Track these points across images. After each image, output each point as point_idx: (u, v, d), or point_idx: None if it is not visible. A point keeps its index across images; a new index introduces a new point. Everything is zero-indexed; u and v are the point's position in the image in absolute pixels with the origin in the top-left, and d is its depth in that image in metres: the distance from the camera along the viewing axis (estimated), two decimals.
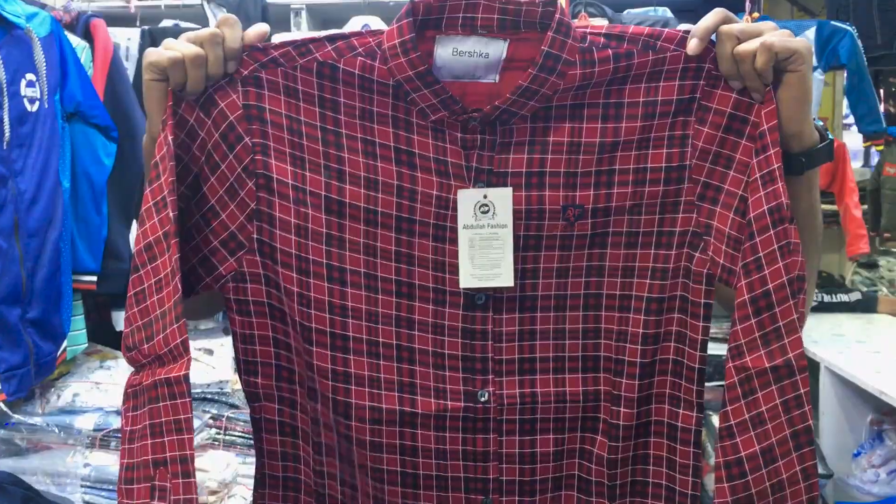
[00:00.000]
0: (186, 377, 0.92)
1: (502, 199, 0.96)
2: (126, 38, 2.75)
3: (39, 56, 2.11)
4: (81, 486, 2.09)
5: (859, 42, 3.17)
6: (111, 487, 2.07)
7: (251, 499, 1.08)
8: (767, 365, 0.89)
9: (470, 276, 0.97)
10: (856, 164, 4.97)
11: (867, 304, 3.26)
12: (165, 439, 0.94)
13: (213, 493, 2.18)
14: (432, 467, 1.01)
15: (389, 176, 0.96)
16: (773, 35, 0.88)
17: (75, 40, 2.35)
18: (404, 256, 0.97)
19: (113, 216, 2.38)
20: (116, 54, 2.50)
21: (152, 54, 0.93)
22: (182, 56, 0.92)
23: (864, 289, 3.77)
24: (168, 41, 0.94)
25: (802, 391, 0.90)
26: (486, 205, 0.95)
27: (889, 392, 2.24)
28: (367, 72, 0.94)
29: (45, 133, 2.13)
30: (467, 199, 0.96)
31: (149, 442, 0.94)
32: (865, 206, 5.02)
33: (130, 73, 2.58)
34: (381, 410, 1.00)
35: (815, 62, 3.05)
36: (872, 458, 2.52)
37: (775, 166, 0.89)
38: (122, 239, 2.42)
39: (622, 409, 0.99)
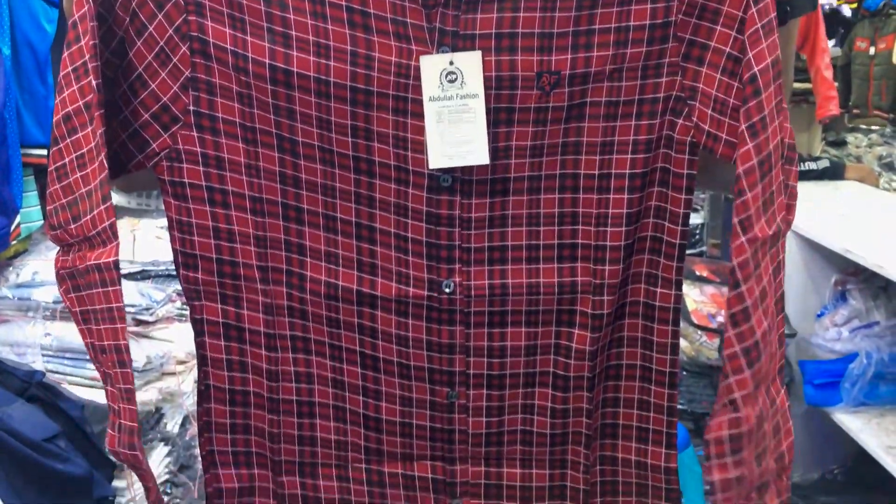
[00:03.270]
0: (116, 263, 0.87)
1: (471, 64, 0.86)
2: None
3: None
4: (42, 354, 2.08)
5: None
6: (73, 356, 2.05)
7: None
8: (770, 233, 0.84)
9: (440, 156, 0.88)
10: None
11: (835, 172, 3.26)
12: (101, 327, 0.91)
13: (181, 362, 2.18)
14: (393, 353, 0.95)
15: (342, 40, 0.85)
16: None
17: None
18: (361, 131, 0.89)
19: None
20: None
21: None
22: None
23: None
24: None
25: (782, 255, 0.87)
26: (453, 72, 0.86)
27: (854, 250, 2.25)
28: None
29: None
30: (431, 66, 0.86)
31: (93, 327, 0.91)
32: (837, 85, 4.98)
33: None
34: (337, 287, 0.94)
35: None
36: (835, 318, 2.56)
37: (773, 15, 0.82)
38: None
39: (605, 298, 0.94)
